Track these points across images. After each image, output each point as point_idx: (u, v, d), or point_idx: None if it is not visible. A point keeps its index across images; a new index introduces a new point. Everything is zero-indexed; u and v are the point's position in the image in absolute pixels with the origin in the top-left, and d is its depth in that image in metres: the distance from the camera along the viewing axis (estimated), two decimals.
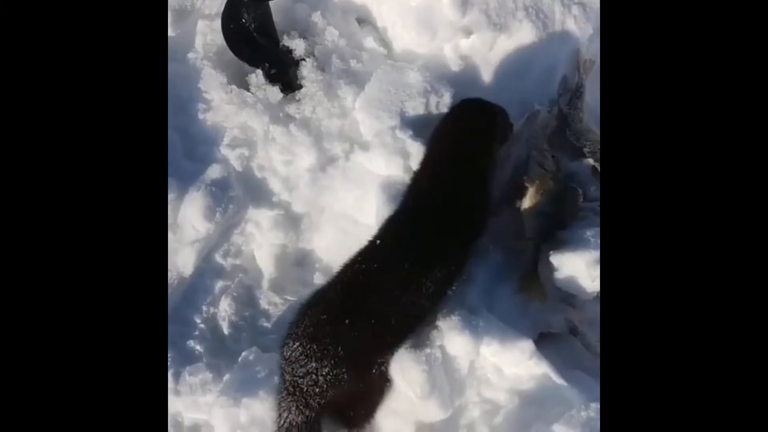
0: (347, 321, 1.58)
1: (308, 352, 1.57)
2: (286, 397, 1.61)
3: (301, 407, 1.59)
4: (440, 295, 1.73)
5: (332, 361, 1.57)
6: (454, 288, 1.77)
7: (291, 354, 1.60)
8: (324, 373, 1.57)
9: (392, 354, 1.67)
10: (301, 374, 1.58)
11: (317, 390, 1.58)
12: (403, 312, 1.65)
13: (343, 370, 1.58)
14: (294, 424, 1.60)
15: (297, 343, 1.59)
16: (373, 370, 1.66)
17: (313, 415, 1.60)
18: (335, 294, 1.65)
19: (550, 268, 1.80)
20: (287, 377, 1.61)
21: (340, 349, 1.57)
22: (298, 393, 1.59)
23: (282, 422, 1.62)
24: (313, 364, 1.57)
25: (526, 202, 1.92)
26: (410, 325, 1.69)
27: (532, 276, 1.86)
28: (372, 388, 1.70)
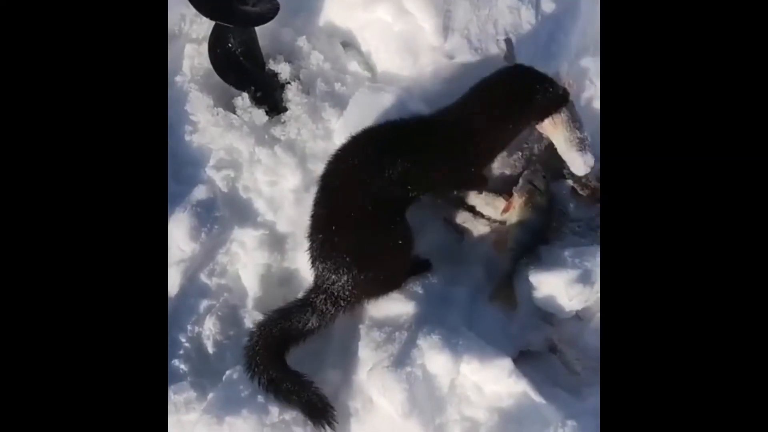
0: (335, 229, 1.74)
1: (329, 267, 1.75)
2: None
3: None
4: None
5: (346, 268, 1.74)
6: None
7: (321, 272, 1.78)
8: (344, 281, 1.74)
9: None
10: (332, 282, 1.76)
11: (347, 293, 1.76)
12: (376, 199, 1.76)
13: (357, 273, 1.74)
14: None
15: (318, 263, 1.78)
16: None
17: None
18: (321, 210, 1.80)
19: (529, 286, 1.84)
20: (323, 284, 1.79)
21: (346, 257, 1.73)
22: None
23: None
24: (334, 277, 1.74)
25: (514, 214, 1.97)
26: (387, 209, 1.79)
27: (507, 286, 1.90)
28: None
